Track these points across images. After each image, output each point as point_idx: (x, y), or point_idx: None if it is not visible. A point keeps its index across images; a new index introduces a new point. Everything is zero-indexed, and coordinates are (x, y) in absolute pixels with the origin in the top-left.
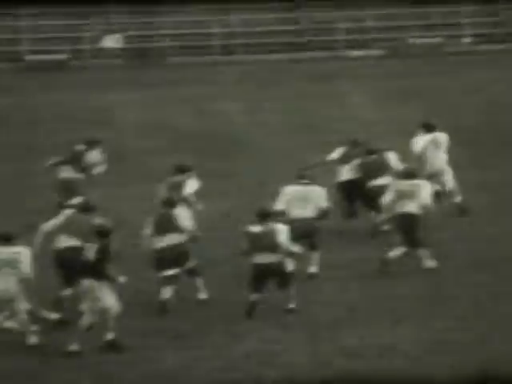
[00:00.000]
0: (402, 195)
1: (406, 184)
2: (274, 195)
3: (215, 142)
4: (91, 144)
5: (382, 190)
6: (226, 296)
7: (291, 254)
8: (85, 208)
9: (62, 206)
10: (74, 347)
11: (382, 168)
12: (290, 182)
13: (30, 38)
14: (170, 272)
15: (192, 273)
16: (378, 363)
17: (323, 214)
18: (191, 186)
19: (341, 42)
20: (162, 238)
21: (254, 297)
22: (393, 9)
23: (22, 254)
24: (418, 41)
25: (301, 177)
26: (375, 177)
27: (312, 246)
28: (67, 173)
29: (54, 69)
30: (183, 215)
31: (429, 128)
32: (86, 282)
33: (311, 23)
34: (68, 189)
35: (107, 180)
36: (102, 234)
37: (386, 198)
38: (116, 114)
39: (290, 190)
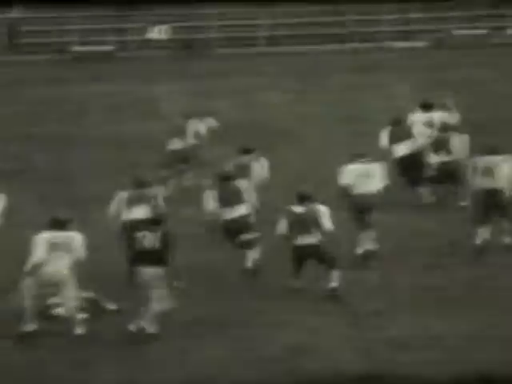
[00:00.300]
0: (486, 171)
1: (486, 160)
2: (319, 184)
3: (260, 133)
4: (200, 117)
5: (445, 165)
6: (266, 284)
7: (331, 235)
8: (140, 184)
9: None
10: (150, 327)
11: (447, 146)
12: (334, 172)
13: (77, 29)
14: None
15: (247, 244)
16: (422, 354)
17: (382, 192)
18: (261, 169)
19: (385, 33)
20: (229, 211)
21: (296, 281)
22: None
23: (75, 238)
24: (462, 32)
25: (361, 155)
26: (440, 153)
27: (367, 224)
28: (177, 144)
29: (100, 60)
30: (247, 187)
31: (426, 107)
32: (151, 270)
33: (355, 14)
34: (178, 159)
35: None
36: (156, 221)
37: (470, 176)
38: (162, 105)
39: (351, 168)
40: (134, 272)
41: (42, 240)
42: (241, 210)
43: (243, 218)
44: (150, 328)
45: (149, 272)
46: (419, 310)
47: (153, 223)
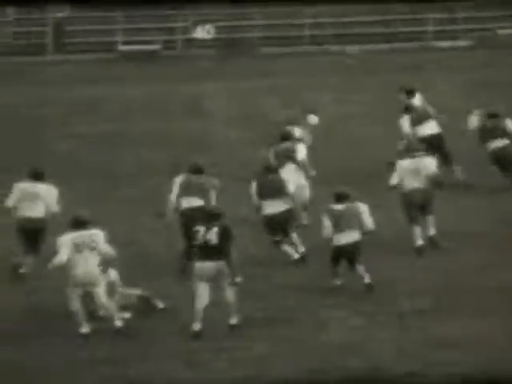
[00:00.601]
0: None
1: None
2: (364, 183)
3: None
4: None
5: (502, 151)
6: (309, 283)
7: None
8: (196, 169)
9: None
10: (197, 326)
11: (500, 132)
12: (379, 169)
13: (124, 28)
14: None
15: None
16: (466, 355)
17: (436, 183)
18: (302, 151)
19: (430, 32)
20: (271, 204)
21: (335, 279)
22: None
23: (97, 235)
24: (507, 31)
25: (414, 149)
26: (493, 139)
27: (427, 213)
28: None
29: (146, 59)
30: (290, 180)
31: (409, 93)
32: (212, 265)
33: (401, 14)
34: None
35: None
36: (215, 216)
37: None
38: (207, 103)
39: (403, 164)
40: (193, 266)
41: (66, 241)
42: (284, 205)
43: (287, 212)
44: (232, 320)
45: (209, 267)
46: (464, 310)
47: (212, 218)
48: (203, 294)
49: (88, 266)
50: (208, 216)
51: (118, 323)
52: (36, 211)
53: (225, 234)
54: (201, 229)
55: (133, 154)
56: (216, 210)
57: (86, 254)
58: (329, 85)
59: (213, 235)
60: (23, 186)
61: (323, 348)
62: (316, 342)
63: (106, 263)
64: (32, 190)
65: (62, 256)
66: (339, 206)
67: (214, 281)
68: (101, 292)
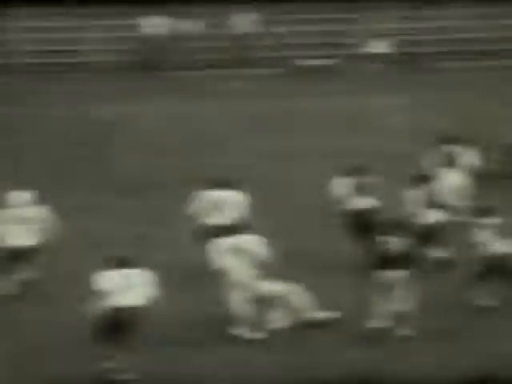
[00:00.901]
0: None
1: None
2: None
3: None
4: None
5: None
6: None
7: None
8: (361, 170)
9: None
10: (374, 323)
11: None
12: None
13: (298, 43)
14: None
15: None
16: None
17: None
18: (469, 156)
19: None
20: (427, 213)
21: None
22: None
23: (253, 240)
24: None
25: None
26: None
27: None
28: None
29: (322, 73)
30: (447, 186)
31: None
32: (391, 273)
33: None
34: None
35: None
36: (397, 225)
37: None
38: (381, 118)
39: None
40: (375, 274)
41: (222, 245)
42: (439, 214)
43: (442, 222)
44: (405, 331)
45: (393, 276)
46: None
47: (395, 226)
48: (382, 303)
49: (242, 270)
50: (391, 224)
51: (247, 334)
52: (223, 218)
53: (408, 244)
54: (385, 237)
55: (304, 165)
56: (399, 219)
57: (240, 259)
58: (501, 99)
59: (397, 244)
60: (210, 194)
61: (491, 359)
62: (483, 353)
63: (263, 269)
64: (220, 198)
65: (219, 260)
66: (487, 220)
67: (394, 290)
68: (245, 298)
